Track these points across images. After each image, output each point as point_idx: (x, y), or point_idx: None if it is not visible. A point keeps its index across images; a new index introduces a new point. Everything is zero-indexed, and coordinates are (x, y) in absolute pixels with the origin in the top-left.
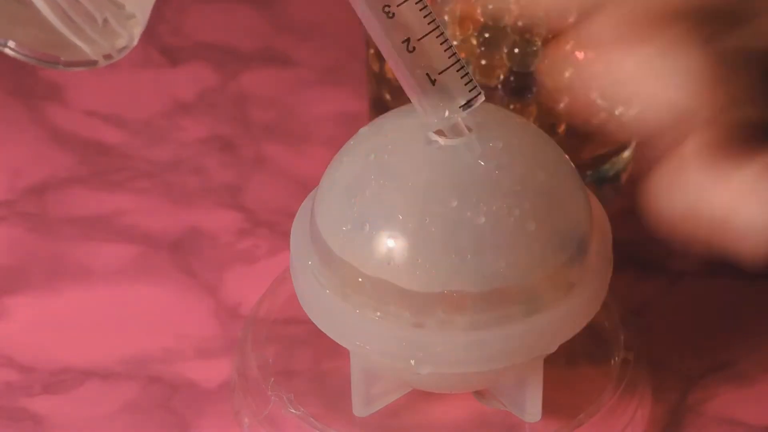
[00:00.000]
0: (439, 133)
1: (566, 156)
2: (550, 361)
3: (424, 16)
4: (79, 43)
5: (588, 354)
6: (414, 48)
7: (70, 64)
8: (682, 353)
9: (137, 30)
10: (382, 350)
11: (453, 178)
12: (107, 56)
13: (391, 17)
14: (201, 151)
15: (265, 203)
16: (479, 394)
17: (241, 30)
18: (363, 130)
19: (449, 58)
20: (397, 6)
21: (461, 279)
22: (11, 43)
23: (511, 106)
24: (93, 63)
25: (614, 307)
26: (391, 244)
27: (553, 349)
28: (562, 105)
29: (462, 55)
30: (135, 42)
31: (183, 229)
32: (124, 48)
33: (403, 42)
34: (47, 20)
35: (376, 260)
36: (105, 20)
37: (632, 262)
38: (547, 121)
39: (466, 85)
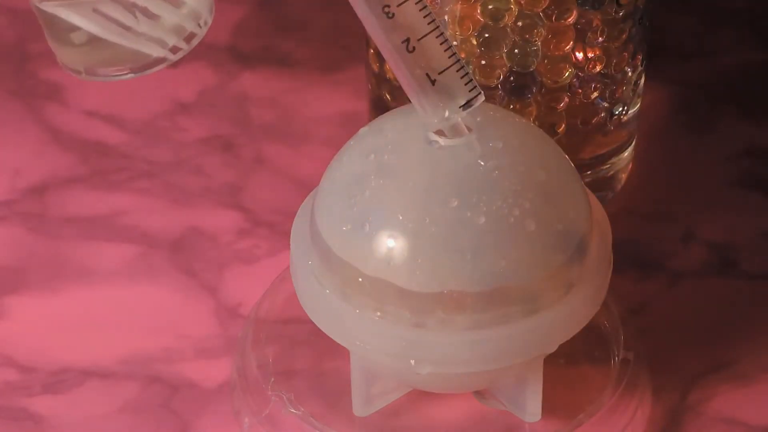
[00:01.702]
0: (439, 133)
1: (566, 156)
2: (550, 361)
3: (424, 16)
4: (141, 48)
5: (588, 354)
6: (414, 48)
7: (139, 69)
8: (682, 353)
9: (203, 17)
10: (382, 350)
11: (453, 178)
12: (174, 49)
13: (391, 17)
14: (201, 151)
15: (265, 203)
16: (479, 394)
17: (241, 30)
18: (363, 130)
19: (449, 58)
20: (397, 6)
21: (461, 279)
22: (82, 69)
23: (511, 106)
24: (162, 60)
25: (614, 307)
26: (391, 244)
27: (553, 349)
28: (561, 105)
29: (462, 55)
30: (204, 29)
31: (183, 229)
32: (193, 37)
33: (403, 42)
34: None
35: (376, 260)
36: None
37: (632, 262)
38: (547, 121)
39: (466, 85)
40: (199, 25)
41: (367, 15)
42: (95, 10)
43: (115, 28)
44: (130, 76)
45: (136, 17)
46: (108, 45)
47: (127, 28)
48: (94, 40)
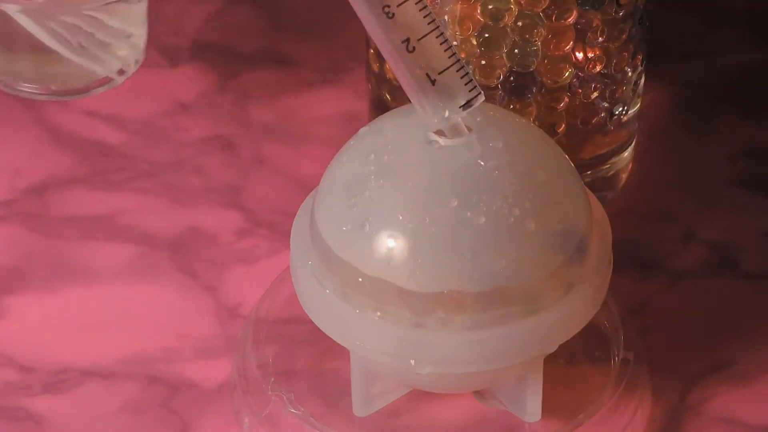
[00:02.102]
0: (439, 133)
1: (566, 156)
2: (550, 361)
3: (424, 16)
4: (92, 66)
5: (588, 354)
6: (414, 48)
7: (62, 93)
8: (682, 353)
9: (141, 42)
10: (382, 350)
11: (453, 178)
12: (120, 72)
13: (391, 17)
14: (201, 151)
15: (265, 203)
16: (479, 394)
17: (241, 30)
18: (363, 130)
19: (449, 58)
20: (397, 6)
21: (461, 279)
22: (26, 86)
23: (511, 106)
24: (87, 89)
25: (614, 307)
26: (391, 244)
27: (553, 349)
28: (561, 105)
29: (462, 55)
30: (135, 67)
31: (183, 229)
32: (123, 73)
33: (403, 42)
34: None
35: (376, 260)
36: (108, 43)
37: (632, 262)
38: (547, 121)
39: (466, 85)
40: (132, 62)
41: (367, 15)
42: (50, 18)
43: (64, 44)
44: (45, 98)
45: (78, 40)
46: (37, 64)
47: (71, 48)
48: (29, 57)
